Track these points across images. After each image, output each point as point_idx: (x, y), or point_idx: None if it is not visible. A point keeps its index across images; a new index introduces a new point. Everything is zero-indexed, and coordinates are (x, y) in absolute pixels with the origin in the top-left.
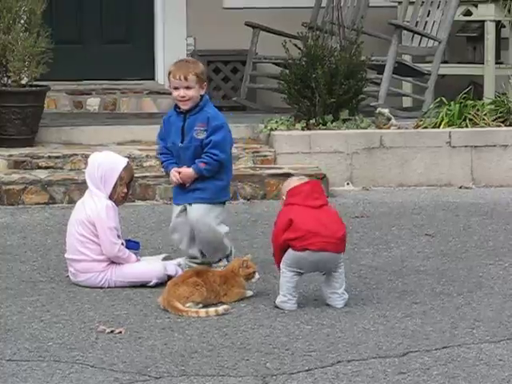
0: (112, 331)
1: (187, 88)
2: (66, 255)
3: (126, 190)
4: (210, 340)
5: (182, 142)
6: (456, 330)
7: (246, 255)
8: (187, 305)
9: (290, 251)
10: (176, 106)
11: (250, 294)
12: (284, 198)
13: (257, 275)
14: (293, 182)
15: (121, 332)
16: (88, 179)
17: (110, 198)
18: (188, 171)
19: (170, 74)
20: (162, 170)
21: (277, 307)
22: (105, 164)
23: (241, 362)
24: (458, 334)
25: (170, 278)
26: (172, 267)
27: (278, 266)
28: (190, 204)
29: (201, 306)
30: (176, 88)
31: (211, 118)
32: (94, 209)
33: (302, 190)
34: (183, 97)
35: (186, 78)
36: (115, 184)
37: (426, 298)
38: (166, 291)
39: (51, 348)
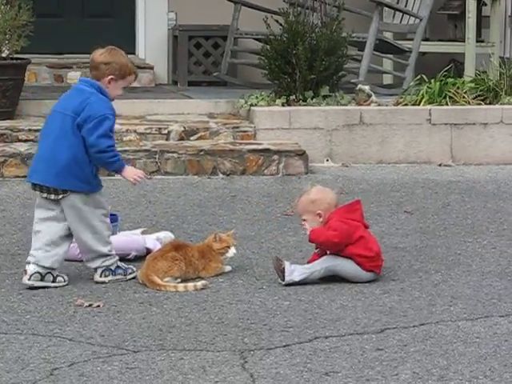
0: (90, 305)
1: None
2: None
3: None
4: (188, 315)
5: None
6: (433, 308)
7: (229, 230)
8: (166, 279)
9: (349, 264)
10: (107, 94)
11: (229, 269)
12: (321, 209)
13: (232, 250)
14: (331, 194)
15: (99, 306)
16: None
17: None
18: None
19: (134, 73)
20: (118, 163)
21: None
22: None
23: (219, 336)
24: (435, 312)
25: (148, 251)
26: (151, 241)
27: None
28: None
29: (179, 280)
30: (123, 87)
31: None
32: None
33: (358, 208)
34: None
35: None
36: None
37: (404, 274)
38: (144, 265)
39: (29, 321)
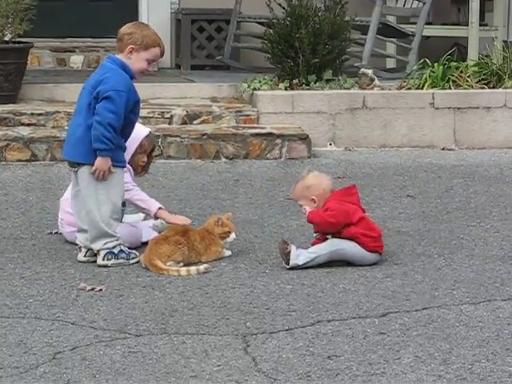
0: (93, 289)
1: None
2: None
3: (145, 159)
4: (191, 299)
5: None
6: (436, 292)
7: (227, 213)
8: (168, 263)
9: (353, 246)
10: (130, 72)
11: (229, 253)
12: (315, 195)
13: (233, 235)
14: (326, 180)
15: (101, 290)
16: None
17: (129, 164)
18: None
19: (159, 45)
20: (104, 146)
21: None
22: None
23: (221, 320)
24: (438, 296)
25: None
26: (147, 233)
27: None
28: None
29: (182, 264)
30: (150, 61)
31: None
32: None
33: (355, 192)
34: (148, 71)
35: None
36: (135, 151)
37: (406, 258)
38: (147, 250)
39: (32, 305)
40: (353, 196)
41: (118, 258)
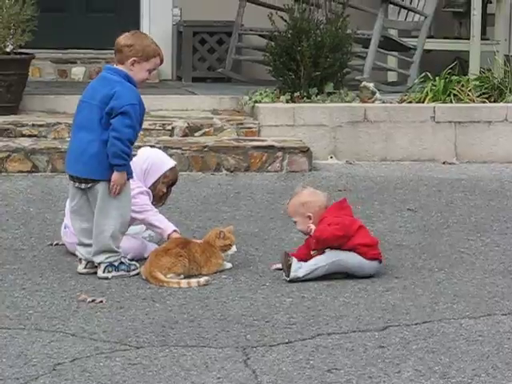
0: (93, 300)
1: None
2: None
3: (165, 190)
4: (191, 311)
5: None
6: (436, 305)
7: (228, 226)
8: (169, 276)
9: (352, 256)
10: (134, 83)
11: (229, 266)
12: (311, 212)
13: (234, 248)
14: (322, 197)
15: (102, 301)
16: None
17: (149, 189)
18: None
19: (158, 55)
20: (123, 161)
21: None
22: (153, 158)
23: (221, 333)
24: (438, 309)
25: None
26: (150, 249)
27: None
28: None
29: (182, 276)
30: (150, 70)
31: None
32: None
33: (347, 205)
34: (148, 79)
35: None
36: (157, 180)
37: (407, 272)
38: (148, 261)
39: (32, 316)
40: (346, 209)
41: (118, 270)
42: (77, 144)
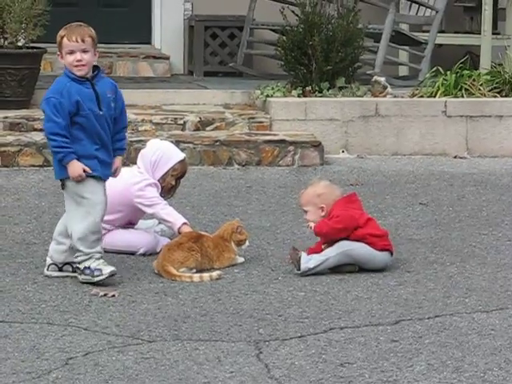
0: (105, 294)
1: (84, 51)
2: None
3: (173, 183)
4: (203, 305)
5: (101, 110)
6: (448, 299)
7: (234, 219)
8: (181, 270)
9: (362, 247)
10: (70, 74)
11: (242, 260)
12: (325, 204)
13: (247, 242)
14: (337, 191)
15: (114, 295)
16: (140, 159)
17: (158, 182)
18: (120, 164)
19: (62, 37)
20: (59, 155)
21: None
22: (163, 151)
23: (234, 327)
24: (450, 303)
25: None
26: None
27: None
28: None
29: (195, 271)
30: (71, 52)
31: (116, 86)
32: (133, 175)
33: (356, 199)
34: (80, 61)
35: (82, 40)
36: (166, 173)
37: (419, 266)
38: (160, 256)
39: (44, 310)
40: (355, 203)
41: (85, 275)
42: None
